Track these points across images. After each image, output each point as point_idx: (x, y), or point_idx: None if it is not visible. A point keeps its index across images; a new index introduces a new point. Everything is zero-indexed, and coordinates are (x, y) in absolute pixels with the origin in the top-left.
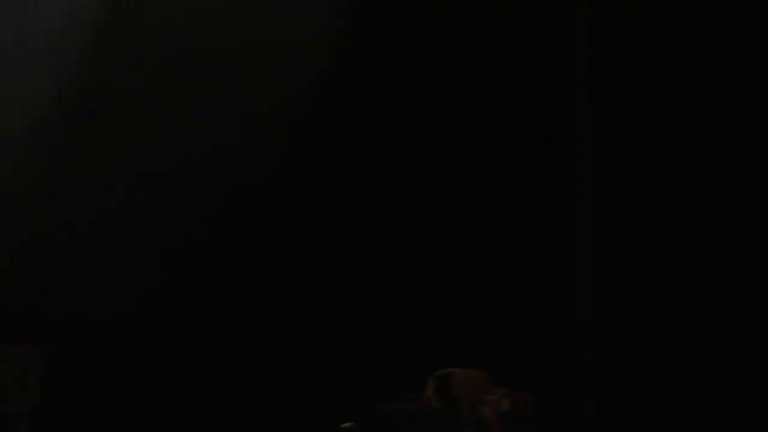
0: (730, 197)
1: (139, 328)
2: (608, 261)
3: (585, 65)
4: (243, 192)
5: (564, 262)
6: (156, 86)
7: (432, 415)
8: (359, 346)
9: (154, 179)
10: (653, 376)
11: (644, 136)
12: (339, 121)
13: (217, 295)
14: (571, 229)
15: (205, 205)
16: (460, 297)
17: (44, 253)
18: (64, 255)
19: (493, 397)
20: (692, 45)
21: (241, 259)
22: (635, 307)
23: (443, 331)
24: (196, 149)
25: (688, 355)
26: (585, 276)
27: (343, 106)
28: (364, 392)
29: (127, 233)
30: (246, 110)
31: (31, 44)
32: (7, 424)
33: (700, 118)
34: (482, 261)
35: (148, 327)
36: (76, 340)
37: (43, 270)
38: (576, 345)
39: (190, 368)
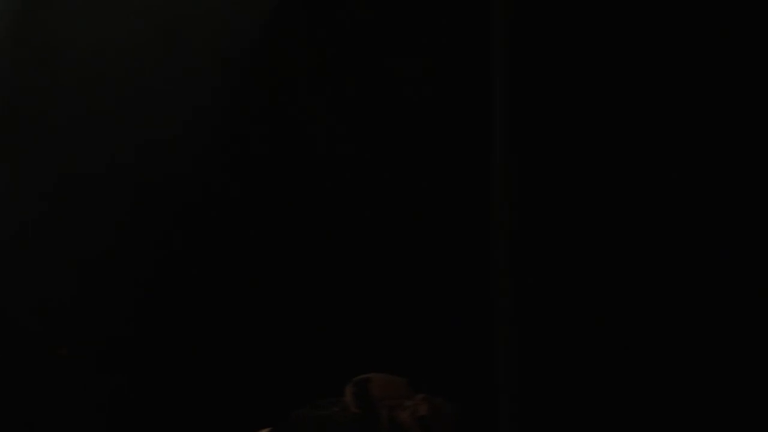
0: (648, 195)
1: (53, 333)
2: (524, 263)
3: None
4: (155, 197)
5: (479, 267)
6: (68, 86)
7: (350, 421)
8: (277, 351)
9: (68, 182)
10: (572, 380)
11: (564, 142)
12: (256, 122)
13: (131, 302)
14: (486, 231)
15: (117, 210)
16: (379, 302)
17: None
18: None
19: (412, 402)
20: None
21: (156, 264)
22: (553, 310)
23: (361, 336)
24: (110, 152)
25: (606, 360)
26: (500, 279)
27: (258, 108)
28: (281, 398)
29: (38, 238)
30: (165, 112)
31: None
32: None
33: (617, 113)
34: (398, 267)
35: (63, 333)
36: None
37: None
38: (493, 351)
39: (104, 376)
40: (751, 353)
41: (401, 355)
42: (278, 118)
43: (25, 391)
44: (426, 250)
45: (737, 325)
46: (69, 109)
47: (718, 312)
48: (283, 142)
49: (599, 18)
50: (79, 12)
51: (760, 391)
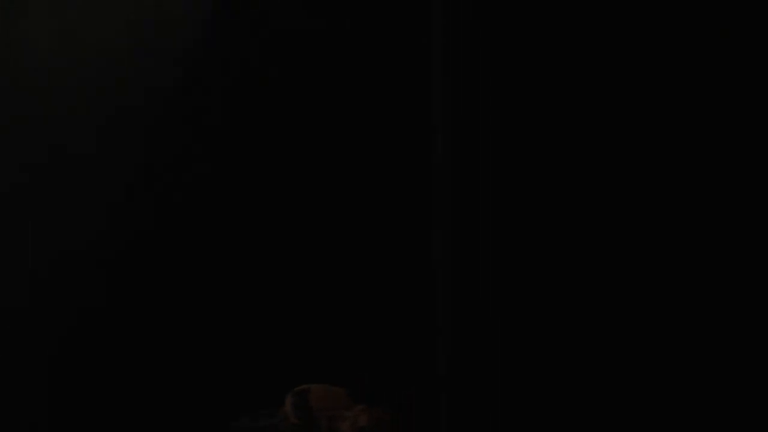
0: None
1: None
2: (466, 272)
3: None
4: (95, 199)
5: (422, 277)
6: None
7: None
8: (214, 361)
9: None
10: (511, 392)
11: (506, 145)
12: (196, 121)
13: (69, 315)
14: (428, 243)
15: (74, 205)
16: (318, 312)
17: None
18: None
19: (352, 413)
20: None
21: (96, 272)
22: (495, 321)
23: (301, 346)
24: (49, 151)
25: (545, 373)
26: (443, 291)
27: (200, 107)
28: (220, 409)
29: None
30: (106, 111)
31: None
32: None
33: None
34: (340, 277)
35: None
36: None
37: None
38: (434, 361)
39: (37, 383)
40: (699, 352)
41: (341, 365)
42: (224, 116)
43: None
44: (364, 260)
45: (683, 321)
46: (19, 106)
47: (657, 306)
48: (230, 141)
49: (538, 16)
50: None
51: (711, 390)
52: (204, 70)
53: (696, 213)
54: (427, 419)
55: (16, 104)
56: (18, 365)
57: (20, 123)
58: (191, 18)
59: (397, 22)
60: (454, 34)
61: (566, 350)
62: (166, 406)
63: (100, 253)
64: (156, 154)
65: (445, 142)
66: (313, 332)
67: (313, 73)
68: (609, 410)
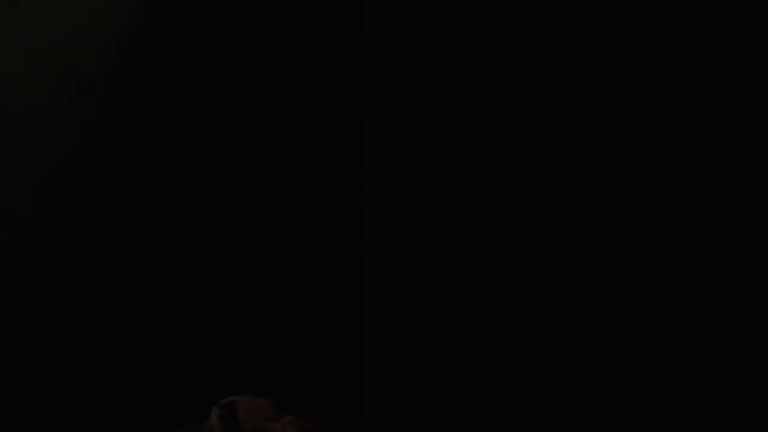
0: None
1: None
2: (395, 284)
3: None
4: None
5: (347, 287)
6: None
7: None
8: (137, 372)
9: None
10: (440, 395)
11: (435, 155)
12: (124, 120)
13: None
14: (360, 256)
15: None
16: (245, 322)
17: None
18: None
19: (279, 424)
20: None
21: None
22: (424, 332)
23: (227, 357)
24: None
25: (478, 384)
26: (372, 302)
27: (127, 107)
28: (143, 422)
29: None
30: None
31: None
32: None
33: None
34: (266, 286)
35: None
36: None
37: None
38: (361, 372)
39: None
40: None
41: (268, 376)
42: (144, 121)
43: None
44: (291, 270)
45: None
46: None
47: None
48: (154, 143)
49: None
50: None
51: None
52: (127, 73)
53: (644, 214)
54: (355, 430)
55: None
56: None
57: None
58: (113, 21)
59: (328, 24)
60: (386, 38)
61: (487, 383)
62: (89, 419)
63: (22, 255)
64: (78, 157)
65: (375, 160)
66: (239, 342)
67: (238, 76)
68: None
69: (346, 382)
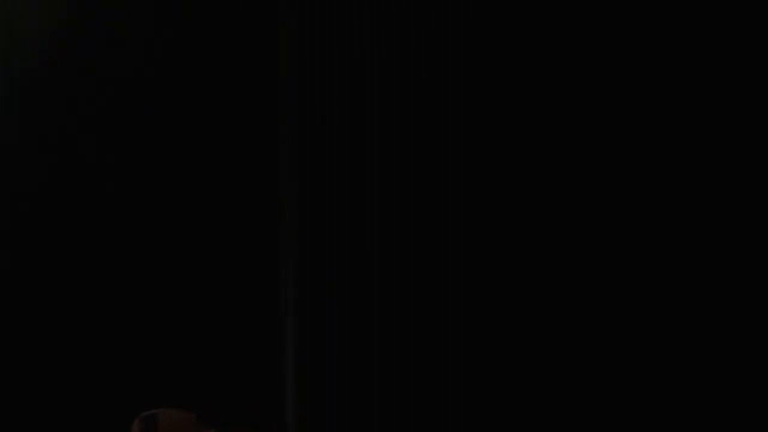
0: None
1: None
2: (313, 295)
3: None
4: None
5: (267, 300)
6: None
7: None
8: (56, 383)
9: None
10: (362, 404)
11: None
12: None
13: None
14: (276, 270)
15: None
16: (167, 335)
17: None
18: None
19: None
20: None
21: None
22: (345, 344)
23: (150, 369)
24: None
25: (398, 384)
26: (291, 315)
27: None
28: None
29: None
30: None
31: None
32: None
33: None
34: (186, 295)
35: None
36: None
37: None
38: (282, 383)
39: None
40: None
41: (190, 389)
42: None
43: None
44: (211, 282)
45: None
46: None
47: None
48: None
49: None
50: None
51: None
52: (56, 79)
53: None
54: None
55: None
56: None
57: None
58: (43, 28)
59: (247, 30)
60: (305, 43)
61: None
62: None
63: None
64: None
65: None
66: (160, 354)
67: (164, 80)
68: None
69: (267, 396)
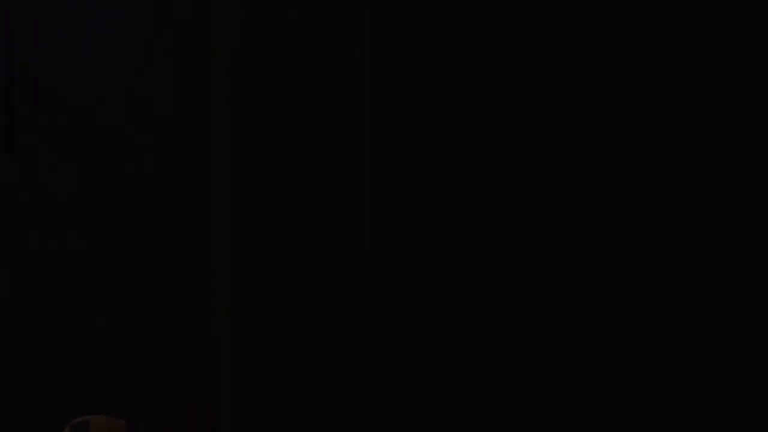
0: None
1: None
2: (247, 304)
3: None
4: None
5: (199, 309)
6: None
7: None
8: None
9: None
10: (295, 412)
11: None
12: None
13: None
14: (209, 277)
15: None
16: (99, 342)
17: None
18: None
19: None
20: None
21: None
22: (279, 347)
23: (81, 376)
24: None
25: (327, 394)
26: (223, 316)
27: None
28: None
29: None
30: None
31: None
32: None
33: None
34: (116, 301)
35: None
36: None
37: None
38: (215, 392)
39: None
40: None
41: (122, 396)
42: None
43: None
44: (142, 287)
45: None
46: None
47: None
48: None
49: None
50: None
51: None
52: None
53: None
54: None
55: None
56: None
57: None
58: None
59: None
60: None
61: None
62: None
63: None
64: None
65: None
66: (91, 361)
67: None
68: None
69: (199, 403)
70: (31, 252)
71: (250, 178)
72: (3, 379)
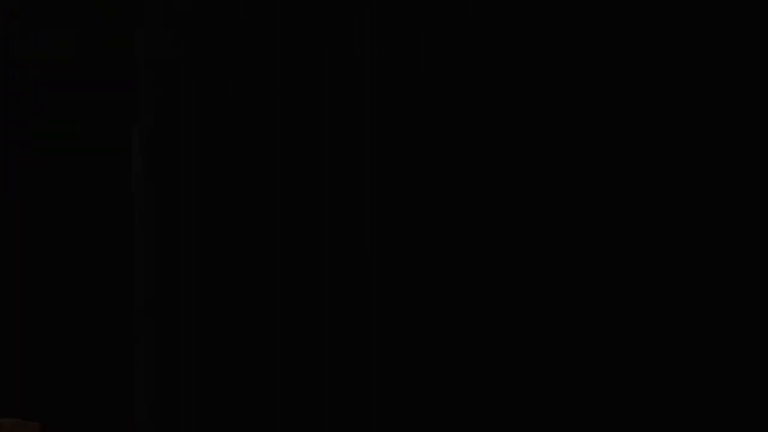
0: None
1: None
2: (165, 309)
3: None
4: None
5: (117, 313)
6: None
7: None
8: None
9: None
10: (216, 419)
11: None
12: None
13: None
14: (129, 278)
15: None
16: (11, 344)
17: None
18: None
19: None
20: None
21: None
22: (195, 351)
23: None
24: None
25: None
26: (142, 320)
27: None
28: None
29: None
30: None
31: None
32: None
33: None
34: (28, 302)
35: None
36: None
37: None
38: (132, 395)
39: None
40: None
41: (35, 397)
42: None
43: None
44: (63, 295)
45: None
46: None
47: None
48: None
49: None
50: None
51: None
52: None
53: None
54: None
55: None
56: None
57: None
58: None
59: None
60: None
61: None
62: None
63: None
64: None
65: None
66: (3, 363)
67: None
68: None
69: (114, 407)
70: None
71: (167, 178)
72: None
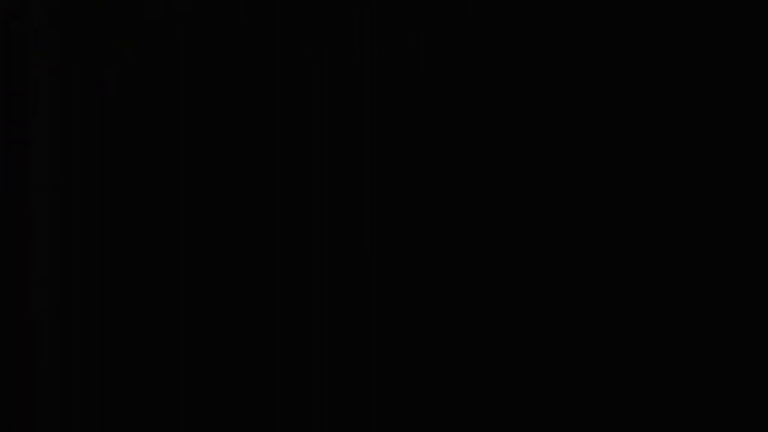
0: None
1: None
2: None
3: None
4: None
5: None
6: None
7: None
8: None
9: None
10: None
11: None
12: None
13: None
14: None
15: None
16: None
17: None
18: None
19: None
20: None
21: None
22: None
23: None
24: None
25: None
26: (40, 328)
27: None
28: None
29: None
30: None
31: None
32: None
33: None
34: None
35: None
36: None
37: None
38: (32, 402)
39: None
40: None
41: None
42: None
43: None
44: None
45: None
46: None
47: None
48: None
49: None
50: None
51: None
52: None
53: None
54: None
55: None
56: None
57: None
58: None
59: None
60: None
61: None
62: None
63: None
64: None
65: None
66: None
67: None
68: None
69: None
70: None
71: (78, 174)
72: None
